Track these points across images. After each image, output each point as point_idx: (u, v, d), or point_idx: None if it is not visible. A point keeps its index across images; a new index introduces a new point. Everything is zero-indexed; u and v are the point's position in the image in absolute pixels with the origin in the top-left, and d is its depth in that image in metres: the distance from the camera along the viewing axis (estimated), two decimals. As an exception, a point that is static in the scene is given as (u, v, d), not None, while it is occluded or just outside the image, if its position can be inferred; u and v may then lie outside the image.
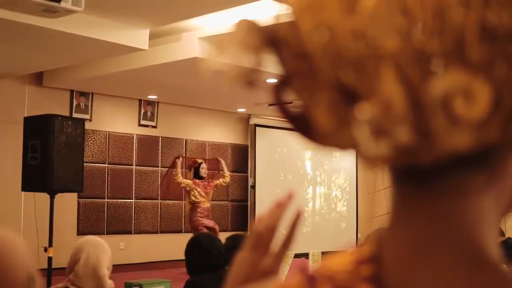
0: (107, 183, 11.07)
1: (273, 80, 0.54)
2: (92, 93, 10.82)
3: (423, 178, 0.51)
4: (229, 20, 7.32)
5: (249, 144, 13.11)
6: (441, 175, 0.50)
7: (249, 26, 0.53)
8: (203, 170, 9.99)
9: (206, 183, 9.97)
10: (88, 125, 9.68)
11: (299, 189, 12.93)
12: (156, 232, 11.66)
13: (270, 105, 11.20)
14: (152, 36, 7.82)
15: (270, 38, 0.52)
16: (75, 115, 10.27)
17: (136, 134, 11.54)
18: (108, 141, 11.12)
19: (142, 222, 11.51)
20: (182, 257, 3.78)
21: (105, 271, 3.11)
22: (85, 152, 8.36)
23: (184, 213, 11.98)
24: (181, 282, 4.12)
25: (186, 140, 12.22)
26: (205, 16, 7.38)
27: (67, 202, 9.82)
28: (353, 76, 0.48)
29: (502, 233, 7.05)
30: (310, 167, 13.83)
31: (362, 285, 0.53)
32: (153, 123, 11.76)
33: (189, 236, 4.05)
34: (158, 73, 9.11)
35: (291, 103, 0.54)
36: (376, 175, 12.15)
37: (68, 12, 5.90)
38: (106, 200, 11.03)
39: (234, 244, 3.60)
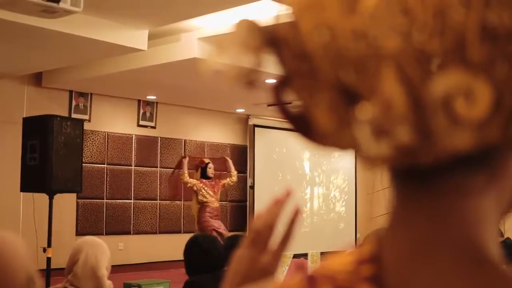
0: (106, 184, 11.07)
1: (272, 81, 0.54)
2: (91, 94, 10.82)
3: (423, 178, 0.51)
4: (228, 20, 7.32)
5: (248, 145, 13.10)
6: (441, 175, 0.50)
7: (249, 26, 0.53)
8: (210, 170, 9.83)
9: (213, 182, 9.81)
10: (87, 126, 9.67)
11: (297, 190, 12.93)
12: (155, 233, 11.66)
13: (269, 105, 11.21)
14: (151, 37, 7.82)
15: (270, 38, 0.52)
16: (74, 115, 10.27)
17: (135, 135, 11.54)
18: (107, 141, 11.12)
19: (141, 223, 11.50)
20: (181, 257, 3.78)
21: (104, 272, 3.11)
22: (84, 153, 8.36)
23: (183, 213, 11.98)
24: (180, 282, 4.12)
25: (185, 141, 12.21)
26: (204, 17, 7.38)
27: (66, 203, 9.81)
28: (353, 76, 0.48)
29: (501, 234, 7.06)
30: (308, 168, 13.83)
31: (363, 285, 0.53)
32: (152, 124, 11.75)
33: (188, 236, 4.05)
34: (157, 73, 9.10)
35: (290, 103, 0.53)
36: (375, 175, 12.15)
37: (67, 12, 5.90)
38: (105, 200, 11.03)
39: (233, 244, 3.59)
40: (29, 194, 7.76)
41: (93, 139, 10.85)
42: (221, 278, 0.99)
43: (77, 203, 10.63)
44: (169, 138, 11.97)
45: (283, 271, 7.14)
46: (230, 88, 8.76)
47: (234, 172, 10.24)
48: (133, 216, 11.39)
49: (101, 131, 11.01)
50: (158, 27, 7.74)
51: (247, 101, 11.39)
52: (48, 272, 6.56)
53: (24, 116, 7.85)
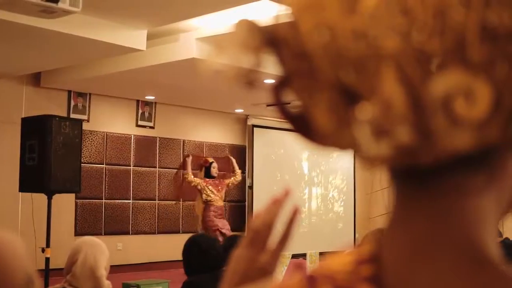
0: (105, 184, 11.06)
1: (271, 81, 0.54)
2: (90, 94, 10.81)
3: (423, 178, 0.51)
4: (227, 20, 7.32)
5: (246, 145, 13.10)
6: (441, 175, 0.50)
7: (249, 26, 0.53)
8: (214, 170, 9.77)
9: (217, 181, 9.74)
10: (85, 126, 9.65)
11: (296, 190, 12.93)
12: (153, 233, 11.66)
13: (268, 105, 11.21)
14: (149, 37, 7.82)
15: (270, 38, 0.52)
16: (72, 115, 10.27)
17: (134, 135, 11.54)
18: (106, 141, 11.12)
19: (140, 223, 11.50)
20: (180, 257, 3.78)
21: (103, 272, 3.11)
22: (82, 153, 8.36)
23: (181, 213, 11.98)
24: (179, 282, 4.12)
25: (183, 141, 12.21)
26: (203, 17, 7.38)
27: (65, 203, 9.80)
28: (353, 76, 0.48)
29: (499, 234, 7.07)
30: (307, 168, 13.83)
31: (362, 285, 0.53)
32: (151, 124, 11.75)
33: (187, 236, 4.04)
34: (156, 73, 9.10)
35: (289, 103, 0.53)
36: (374, 176, 12.15)
37: (66, 12, 5.89)
38: (103, 200, 11.02)
39: (232, 244, 3.59)
40: (28, 194, 7.75)
41: (91, 139, 10.85)
42: (220, 278, 0.99)
43: (76, 203, 10.62)
44: (167, 138, 11.97)
45: (281, 271, 7.15)
46: (229, 88, 8.76)
47: (238, 171, 10.19)
48: (131, 216, 11.39)
49: (100, 131, 11.00)
50: (157, 27, 7.74)
51: (246, 101, 11.39)
52: (47, 272, 6.56)
53: (23, 116, 7.84)
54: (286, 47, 0.51)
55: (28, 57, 8.04)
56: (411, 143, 0.47)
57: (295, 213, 0.97)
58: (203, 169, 9.82)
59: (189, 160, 9.82)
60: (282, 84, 0.53)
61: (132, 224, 11.38)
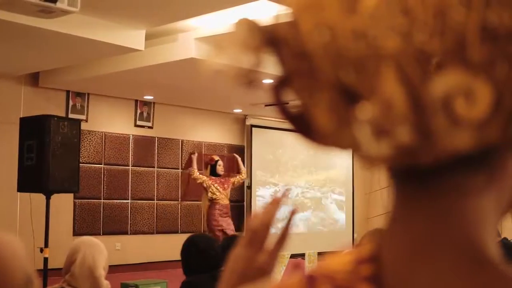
0: (103, 184, 11.05)
1: (270, 81, 0.54)
2: (88, 94, 10.80)
3: (423, 178, 0.51)
4: (225, 20, 7.32)
5: (245, 145, 13.09)
6: (441, 175, 0.50)
7: (249, 26, 0.53)
8: (220, 168, 9.67)
9: (223, 180, 9.64)
10: (84, 126, 9.65)
11: (294, 190, 12.93)
12: (152, 233, 11.65)
13: (267, 105, 11.20)
14: (148, 37, 7.82)
15: (270, 38, 0.52)
16: (71, 115, 10.26)
17: (132, 135, 11.53)
18: (104, 141, 11.11)
19: (138, 223, 11.49)
20: (179, 257, 3.78)
21: (101, 272, 3.11)
22: (81, 153, 8.35)
23: (180, 213, 11.98)
24: (177, 282, 4.12)
25: (182, 141, 12.21)
26: (202, 17, 7.38)
27: (63, 203, 9.80)
28: (353, 76, 0.48)
29: (498, 234, 7.07)
30: (305, 168, 13.83)
31: (362, 285, 0.53)
32: (149, 124, 11.74)
33: (185, 236, 4.04)
34: (154, 73, 9.09)
35: (288, 103, 0.53)
36: (373, 175, 12.16)
37: (64, 12, 5.89)
38: (102, 200, 11.02)
39: (230, 244, 3.59)
40: (26, 194, 7.74)
41: (90, 139, 10.84)
42: (218, 278, 0.99)
43: (74, 203, 10.61)
44: (166, 138, 11.97)
45: (280, 271, 7.15)
46: (227, 88, 8.76)
47: (243, 170, 10.16)
48: (130, 216, 11.38)
49: (98, 131, 11.00)
50: (155, 27, 7.73)
51: (244, 101, 11.39)
52: (45, 272, 6.55)
53: (21, 116, 7.82)
54: (286, 46, 0.51)
55: (26, 57, 8.03)
56: (411, 143, 0.47)
57: (292, 213, 0.97)
58: (209, 167, 9.74)
59: (195, 157, 9.76)
60: (282, 84, 0.53)
61: (130, 224, 11.38)
